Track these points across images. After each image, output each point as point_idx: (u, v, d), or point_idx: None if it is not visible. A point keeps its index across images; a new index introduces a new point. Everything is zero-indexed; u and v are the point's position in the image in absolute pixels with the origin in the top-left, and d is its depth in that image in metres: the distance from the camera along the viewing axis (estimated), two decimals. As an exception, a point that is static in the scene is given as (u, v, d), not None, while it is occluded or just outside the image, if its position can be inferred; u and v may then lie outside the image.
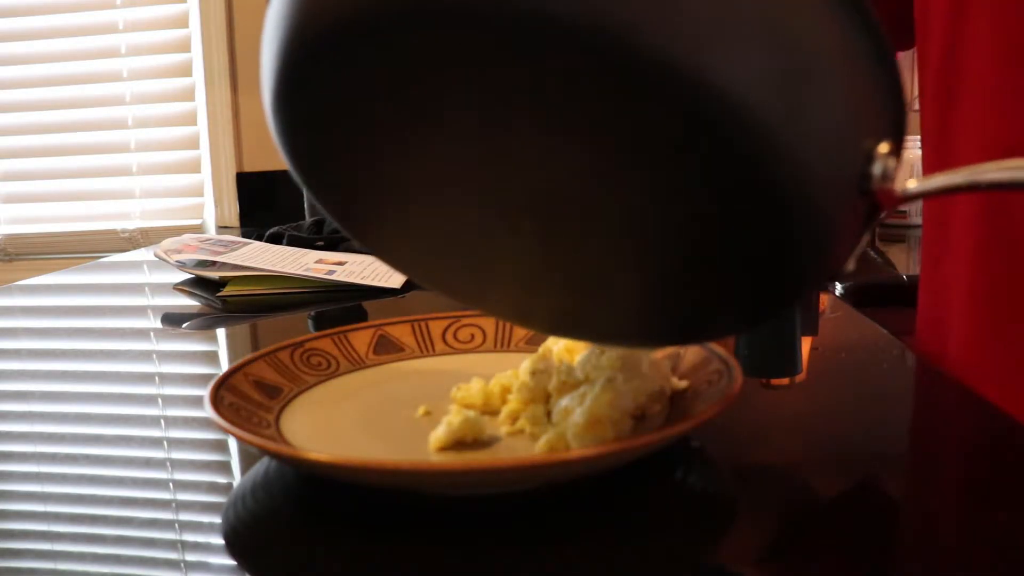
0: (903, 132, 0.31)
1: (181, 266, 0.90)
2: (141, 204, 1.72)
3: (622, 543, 0.32)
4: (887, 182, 0.29)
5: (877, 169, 0.29)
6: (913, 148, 1.35)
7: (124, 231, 1.71)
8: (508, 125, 0.29)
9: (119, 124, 1.70)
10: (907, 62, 1.61)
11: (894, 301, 0.84)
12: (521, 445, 0.40)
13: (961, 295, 0.60)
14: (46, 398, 0.54)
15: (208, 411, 0.38)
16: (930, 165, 0.65)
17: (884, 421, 0.46)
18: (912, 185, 0.32)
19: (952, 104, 0.60)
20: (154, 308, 0.82)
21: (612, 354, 0.42)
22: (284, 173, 1.63)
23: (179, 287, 0.89)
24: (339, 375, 0.49)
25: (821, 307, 0.75)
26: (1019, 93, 0.55)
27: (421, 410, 0.43)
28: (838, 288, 0.81)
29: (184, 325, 0.73)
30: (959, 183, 0.31)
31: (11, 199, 1.75)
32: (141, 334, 0.72)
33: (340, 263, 0.89)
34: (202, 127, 1.68)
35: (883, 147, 0.29)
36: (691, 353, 0.45)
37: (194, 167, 1.71)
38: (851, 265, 0.34)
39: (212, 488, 0.39)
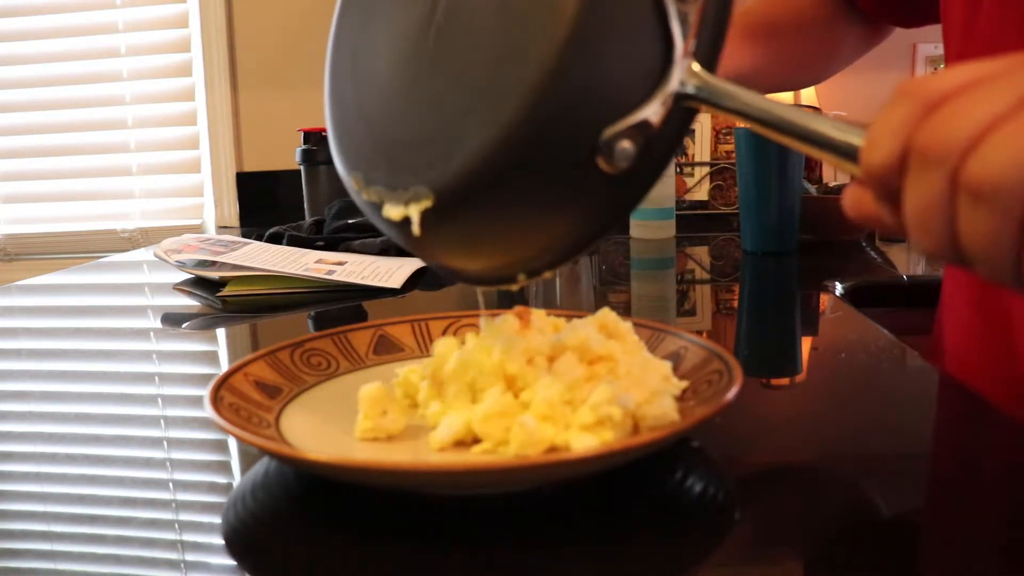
0: None
1: (181, 266, 0.90)
2: (141, 204, 1.72)
3: (622, 543, 0.32)
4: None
5: None
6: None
7: (124, 231, 1.71)
8: None
9: (119, 124, 1.70)
10: (907, 57, 1.61)
11: (894, 301, 0.84)
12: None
13: (973, 293, 0.60)
14: (46, 398, 0.54)
15: (208, 411, 0.38)
16: None
17: (884, 421, 0.46)
18: (696, 68, 0.33)
19: None
20: (154, 308, 0.82)
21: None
22: (284, 173, 1.63)
23: (179, 287, 0.89)
24: (339, 375, 0.49)
25: (821, 307, 0.75)
26: None
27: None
28: (838, 288, 0.81)
29: (184, 325, 0.73)
30: (748, 108, 0.33)
31: (11, 199, 1.75)
32: (141, 334, 0.72)
33: (340, 263, 0.89)
34: (202, 127, 1.68)
35: None
36: (691, 353, 0.45)
37: (194, 167, 1.71)
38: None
39: (212, 488, 0.39)
